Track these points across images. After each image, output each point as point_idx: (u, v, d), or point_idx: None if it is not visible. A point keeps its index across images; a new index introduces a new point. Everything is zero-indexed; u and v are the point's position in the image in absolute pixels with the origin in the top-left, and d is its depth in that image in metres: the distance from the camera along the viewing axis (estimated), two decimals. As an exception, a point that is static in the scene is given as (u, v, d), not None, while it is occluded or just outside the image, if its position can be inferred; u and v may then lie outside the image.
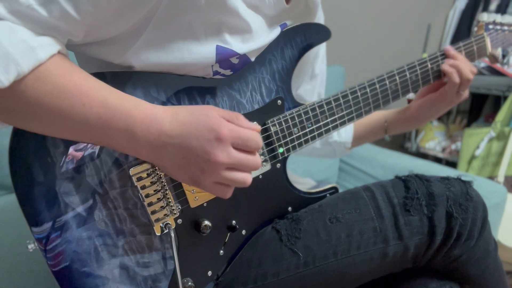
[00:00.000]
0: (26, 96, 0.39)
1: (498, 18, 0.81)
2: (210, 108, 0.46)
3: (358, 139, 0.85)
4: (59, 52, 0.41)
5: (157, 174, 0.50)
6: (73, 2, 0.39)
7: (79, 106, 0.40)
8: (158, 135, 0.44)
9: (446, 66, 0.71)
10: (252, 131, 0.46)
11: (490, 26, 0.80)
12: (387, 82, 0.69)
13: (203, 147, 0.43)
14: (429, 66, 0.72)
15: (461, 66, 0.70)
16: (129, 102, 0.43)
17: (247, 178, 0.47)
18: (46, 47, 0.39)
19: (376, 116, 0.82)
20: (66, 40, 0.43)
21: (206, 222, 0.55)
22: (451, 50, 0.73)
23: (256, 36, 0.56)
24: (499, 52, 0.80)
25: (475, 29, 0.82)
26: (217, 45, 0.51)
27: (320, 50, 0.78)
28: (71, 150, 0.46)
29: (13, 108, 0.40)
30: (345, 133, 0.83)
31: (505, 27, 0.81)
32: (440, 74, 0.74)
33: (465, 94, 0.75)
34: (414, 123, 0.79)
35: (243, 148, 0.46)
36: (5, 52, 0.36)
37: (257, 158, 0.47)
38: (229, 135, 0.44)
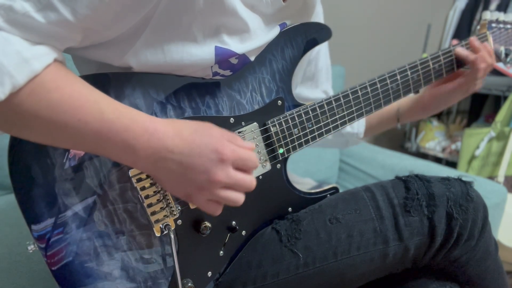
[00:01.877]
0: (21, 109, 0.38)
1: (502, 16, 0.80)
2: (211, 127, 0.47)
3: (370, 129, 0.87)
4: (55, 60, 0.41)
5: (157, 174, 0.50)
6: (71, 7, 0.39)
7: (74, 121, 0.40)
8: (159, 149, 0.43)
9: (472, 56, 0.72)
10: (250, 151, 0.48)
11: (493, 25, 0.79)
12: (388, 81, 0.69)
13: (205, 166, 0.45)
14: (431, 66, 0.72)
15: (485, 55, 0.72)
16: (126, 115, 0.42)
17: (240, 198, 0.48)
18: (41, 57, 0.39)
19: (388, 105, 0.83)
20: (64, 47, 0.43)
21: (206, 223, 0.55)
22: (475, 41, 0.74)
23: (255, 35, 0.55)
24: (502, 50, 0.80)
25: (478, 27, 0.81)
26: (215, 46, 0.51)
27: (322, 48, 0.78)
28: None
29: (9, 120, 0.40)
30: (357, 123, 0.84)
31: (508, 26, 0.80)
32: (453, 68, 0.75)
33: (480, 82, 0.76)
34: (427, 112, 0.81)
35: (242, 167, 0.48)
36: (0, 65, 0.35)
37: (252, 178, 0.49)
38: (230, 156, 0.46)
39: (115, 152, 0.43)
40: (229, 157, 0.46)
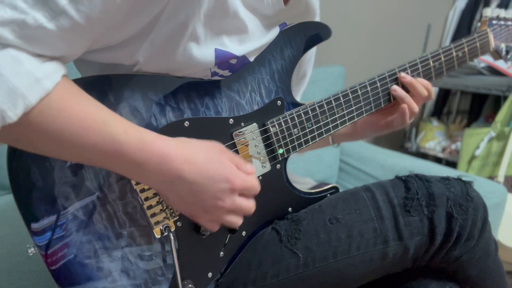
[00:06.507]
0: (30, 129, 0.38)
1: (502, 13, 0.79)
2: (222, 151, 0.49)
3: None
4: (63, 76, 0.41)
5: (157, 175, 0.50)
6: (85, 14, 0.38)
7: (82, 142, 0.40)
8: (169, 172, 0.44)
9: (403, 105, 0.69)
10: (254, 179, 0.51)
11: (494, 22, 0.79)
12: (388, 80, 0.69)
13: (216, 194, 0.47)
14: (431, 64, 0.71)
15: (409, 100, 0.68)
16: (135, 136, 0.42)
17: (239, 221, 0.51)
18: (52, 75, 0.39)
19: None
20: (74, 58, 0.43)
21: (206, 223, 0.55)
22: (407, 77, 0.68)
23: (253, 37, 0.55)
24: (502, 47, 0.79)
25: (479, 24, 0.80)
26: (215, 49, 0.51)
27: (313, 52, 0.78)
28: None
29: (17, 138, 0.40)
30: None
31: (509, 22, 0.79)
32: (389, 98, 0.71)
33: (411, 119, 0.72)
34: (357, 138, 0.79)
35: (246, 195, 0.51)
36: (12, 86, 0.35)
37: (252, 204, 0.51)
38: (239, 186, 0.48)
39: (123, 171, 0.44)
40: (238, 187, 0.48)
